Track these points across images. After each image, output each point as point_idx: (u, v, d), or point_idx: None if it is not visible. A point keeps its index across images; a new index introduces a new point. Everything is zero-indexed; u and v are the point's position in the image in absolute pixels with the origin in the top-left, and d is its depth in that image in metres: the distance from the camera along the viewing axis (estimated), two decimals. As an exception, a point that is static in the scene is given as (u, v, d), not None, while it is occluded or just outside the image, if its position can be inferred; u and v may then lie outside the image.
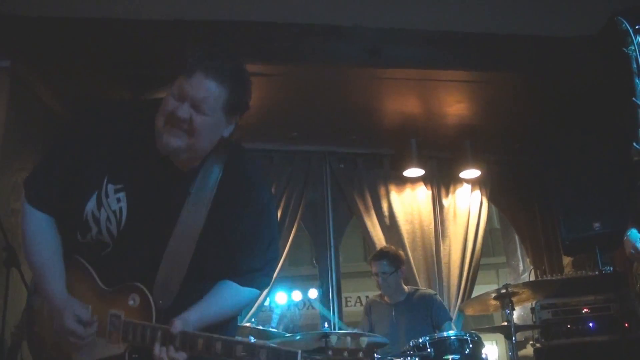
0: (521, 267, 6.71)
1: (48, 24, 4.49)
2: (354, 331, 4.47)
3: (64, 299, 1.99)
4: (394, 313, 4.87)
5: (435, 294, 5.08)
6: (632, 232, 3.46)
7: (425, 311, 4.80)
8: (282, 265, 5.84)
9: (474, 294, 5.83)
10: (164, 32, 4.52)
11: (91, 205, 2.01)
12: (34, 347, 2.15)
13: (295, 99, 5.37)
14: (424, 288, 5.45)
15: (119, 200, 2.01)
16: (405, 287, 5.07)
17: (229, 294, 2.11)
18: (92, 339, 1.97)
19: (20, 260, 3.58)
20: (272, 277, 2.26)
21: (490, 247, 13.36)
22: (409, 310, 4.86)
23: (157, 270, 2.01)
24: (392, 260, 4.97)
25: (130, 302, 2.00)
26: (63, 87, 4.90)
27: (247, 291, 2.14)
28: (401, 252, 5.23)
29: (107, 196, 2.01)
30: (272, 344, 1.96)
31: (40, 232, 2.08)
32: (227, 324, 2.19)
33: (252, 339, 4.36)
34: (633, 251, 3.42)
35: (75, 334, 1.94)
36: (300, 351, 1.85)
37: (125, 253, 2.03)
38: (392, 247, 5.31)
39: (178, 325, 1.90)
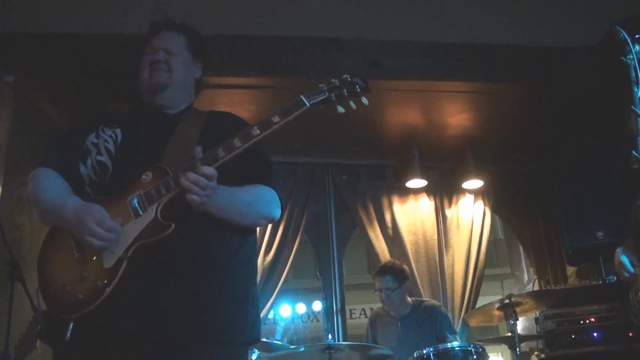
0: (526, 278, 6.69)
1: (51, 40, 4.58)
2: (358, 343, 4.46)
3: (82, 205, 2.06)
4: (400, 327, 4.83)
5: (440, 305, 5.06)
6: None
7: (430, 323, 4.76)
8: (285, 278, 5.85)
9: (479, 305, 5.80)
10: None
11: (90, 138, 2.30)
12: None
13: (296, 112, 5.37)
14: (428, 299, 5.43)
15: (114, 131, 2.30)
16: (409, 299, 5.02)
17: (248, 186, 2.24)
18: (116, 236, 2.00)
19: (25, 275, 3.58)
20: (283, 203, 2.36)
21: (495, 258, 13.36)
22: (415, 323, 4.82)
23: (161, 162, 2.14)
24: (396, 275, 4.91)
25: (144, 178, 2.09)
26: (66, 101, 4.92)
27: (263, 188, 2.28)
28: (405, 267, 5.19)
29: (103, 131, 2.31)
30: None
31: (47, 177, 2.25)
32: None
33: (256, 352, 4.37)
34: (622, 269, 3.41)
35: (97, 235, 1.97)
36: (302, 95, 2.15)
37: (127, 165, 2.16)
38: (397, 261, 5.27)
39: (198, 149, 2.04)
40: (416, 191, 6.25)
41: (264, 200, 2.27)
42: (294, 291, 12.56)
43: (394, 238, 6.08)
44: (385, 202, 6.21)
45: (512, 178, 6.48)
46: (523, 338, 4.44)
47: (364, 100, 2.23)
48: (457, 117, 5.50)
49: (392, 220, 6.15)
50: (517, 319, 4.32)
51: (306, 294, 12.54)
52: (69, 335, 1.98)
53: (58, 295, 2.03)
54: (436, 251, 6.09)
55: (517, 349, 4.23)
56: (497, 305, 4.38)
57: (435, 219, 6.23)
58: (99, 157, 2.22)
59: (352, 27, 4.72)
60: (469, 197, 6.32)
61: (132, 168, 2.12)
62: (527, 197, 6.42)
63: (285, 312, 11.46)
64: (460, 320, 5.72)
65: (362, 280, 13.60)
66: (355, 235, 6.47)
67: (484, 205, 6.31)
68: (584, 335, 4.57)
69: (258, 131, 2.08)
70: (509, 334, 4.34)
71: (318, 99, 2.17)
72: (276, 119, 2.10)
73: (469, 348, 4.08)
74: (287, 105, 2.13)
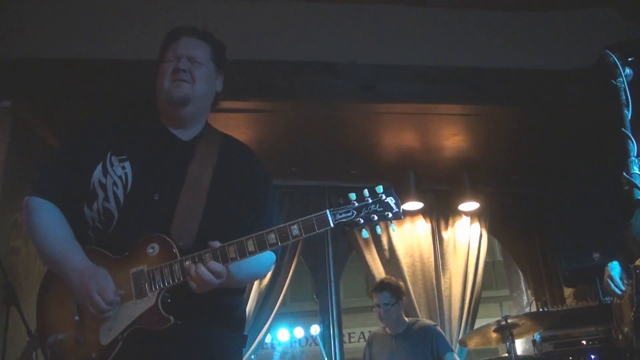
0: (525, 300, 6.66)
1: (48, 65, 4.60)
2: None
3: (88, 268, 1.99)
4: (394, 344, 4.84)
5: (436, 325, 5.04)
6: (613, 264, 3.48)
7: (425, 342, 4.75)
8: (283, 301, 5.82)
9: (477, 326, 5.78)
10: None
11: (97, 174, 2.13)
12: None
13: (293, 135, 5.39)
14: (424, 319, 5.42)
15: (123, 167, 2.14)
16: (406, 318, 5.04)
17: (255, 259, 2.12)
18: (115, 310, 1.96)
19: (20, 299, 3.58)
20: (279, 253, 2.32)
21: (493, 280, 13.32)
22: (408, 340, 4.82)
23: (170, 224, 2.04)
24: (393, 291, 4.94)
25: (150, 251, 2.01)
26: (64, 126, 4.94)
27: (267, 253, 2.15)
28: (401, 283, 5.20)
29: (111, 164, 2.15)
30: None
31: (50, 218, 2.12)
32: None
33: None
34: (608, 279, 3.43)
35: (96, 306, 1.93)
36: (328, 210, 2.00)
37: (134, 218, 2.06)
38: (393, 278, 5.27)
39: (215, 243, 1.95)
40: (412, 213, 6.24)
41: (266, 267, 2.28)
42: (292, 314, 12.48)
43: (390, 260, 6.07)
44: (381, 225, 6.15)
45: (508, 200, 6.49)
46: (520, 359, 4.42)
47: (393, 227, 2.07)
48: (452, 139, 5.52)
49: (388, 243, 6.14)
50: (514, 341, 4.31)
51: (304, 318, 12.44)
52: None
53: (53, 347, 2.04)
54: (433, 273, 6.08)
55: (515, 371, 4.22)
56: (493, 327, 4.37)
57: (431, 241, 6.23)
58: (106, 204, 2.09)
59: (347, 51, 4.76)
60: (466, 219, 6.32)
61: (138, 224, 2.05)
62: (523, 218, 6.43)
63: (283, 336, 11.37)
64: (458, 343, 5.69)
65: (361, 303, 13.51)
66: (354, 258, 6.46)
67: (481, 227, 6.31)
68: (582, 357, 4.56)
69: (274, 240, 1.96)
70: (506, 355, 4.32)
71: (344, 220, 2.00)
72: (295, 231, 1.98)
73: (466, 371, 4.06)
74: (310, 218, 2.00)
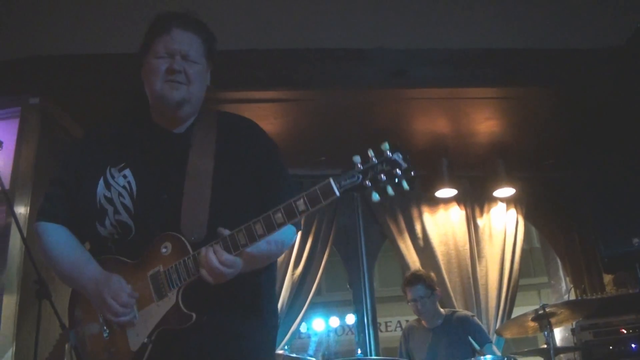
0: (564, 287, 6.52)
1: (73, 61, 4.67)
2: (388, 358, 4.38)
3: (101, 276, 1.98)
4: (431, 338, 4.75)
5: (473, 316, 4.95)
6: None
7: (463, 334, 4.64)
8: (319, 291, 5.79)
9: (514, 315, 5.66)
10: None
11: (100, 189, 2.08)
12: None
13: (322, 124, 5.35)
14: (460, 310, 5.32)
15: (125, 176, 2.09)
16: (442, 310, 4.94)
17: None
18: (129, 314, 1.95)
19: (52, 292, 3.60)
20: (300, 225, 2.23)
21: (531, 267, 13.12)
22: (447, 334, 4.72)
23: (179, 220, 1.99)
24: (427, 283, 4.84)
25: (163, 251, 1.97)
26: (91, 120, 4.96)
27: (286, 228, 2.04)
28: (433, 274, 5.12)
29: (112, 177, 2.10)
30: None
31: (59, 238, 2.12)
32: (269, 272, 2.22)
33: (285, 367, 4.33)
34: None
35: (111, 310, 1.93)
36: (331, 178, 1.84)
37: (148, 222, 2.03)
38: (423, 270, 5.20)
39: (224, 231, 1.89)
40: (446, 201, 6.16)
41: (286, 241, 2.17)
42: (327, 304, 12.49)
43: (424, 249, 6.00)
44: (415, 213, 6.13)
45: (544, 185, 6.36)
46: (559, 350, 4.31)
47: (405, 186, 1.83)
48: (485, 124, 5.42)
49: (422, 231, 6.07)
50: (552, 331, 4.20)
51: (340, 307, 12.44)
52: None
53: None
54: (469, 261, 5.98)
55: (553, 361, 4.11)
56: (531, 317, 4.26)
57: (466, 228, 6.13)
58: (117, 217, 2.05)
59: (375, 37, 4.68)
60: (501, 206, 6.21)
61: (153, 227, 2.01)
62: (560, 203, 6.29)
63: (319, 326, 11.37)
64: (495, 333, 5.60)
65: (397, 292, 13.43)
66: (388, 248, 6.39)
67: (517, 213, 6.19)
68: (622, 347, 4.42)
69: (282, 220, 1.84)
70: (544, 346, 4.21)
71: (350, 185, 1.84)
72: (301, 206, 1.83)
73: (502, 362, 3.97)
74: (314, 190, 1.84)
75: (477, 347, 4.23)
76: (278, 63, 4.78)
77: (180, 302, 1.92)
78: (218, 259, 1.85)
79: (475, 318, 4.94)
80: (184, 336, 1.95)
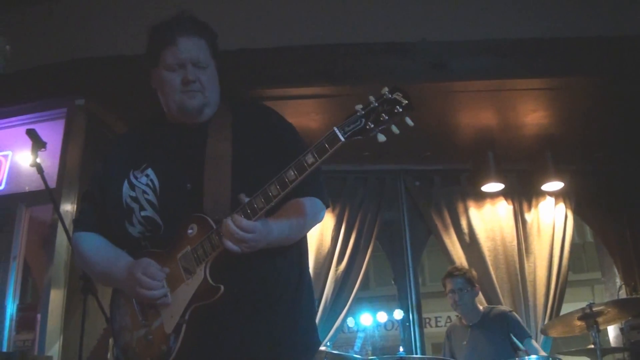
0: (618, 283, 6.33)
1: (117, 62, 4.73)
2: (430, 357, 4.32)
3: (132, 262, 2.05)
4: (470, 334, 4.69)
5: (511, 311, 4.85)
6: None
7: (502, 329, 4.57)
8: (367, 286, 5.76)
9: (563, 312, 5.52)
10: (228, 61, 4.59)
11: (125, 190, 2.17)
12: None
13: (364, 119, 5.29)
14: (498, 306, 5.23)
15: (147, 175, 2.17)
16: (481, 307, 4.89)
17: (295, 204, 2.11)
18: (162, 288, 1.99)
19: (97, 287, 3.67)
20: (328, 201, 2.25)
21: (584, 262, 12.83)
22: (484, 330, 4.65)
23: (202, 204, 2.04)
24: (467, 277, 4.85)
25: (189, 232, 2.02)
26: (136, 118, 5.04)
27: (311, 201, 2.15)
28: (474, 272, 5.07)
29: (135, 178, 2.18)
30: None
31: (92, 243, 2.20)
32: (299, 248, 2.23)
33: (327, 363, 4.31)
34: None
35: (143, 284, 1.97)
36: (335, 127, 1.88)
37: (175, 213, 2.08)
38: (464, 266, 5.17)
39: (242, 196, 1.93)
40: (493, 195, 6.04)
41: (313, 216, 2.19)
42: (376, 298, 12.45)
43: (470, 244, 5.90)
44: (460, 208, 6.04)
45: (594, 178, 6.19)
46: (606, 350, 4.16)
47: (408, 121, 1.86)
48: (532, 115, 5.30)
49: (468, 226, 5.97)
50: (599, 330, 4.07)
51: (389, 301, 12.37)
52: None
53: (128, 356, 2.09)
54: (516, 257, 5.86)
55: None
56: (577, 315, 4.15)
57: (514, 223, 6.01)
58: (143, 213, 2.12)
59: (416, 29, 4.63)
60: (550, 200, 6.07)
61: (180, 216, 2.06)
62: (611, 197, 6.12)
63: (366, 321, 11.31)
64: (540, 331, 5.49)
65: (447, 288, 13.31)
66: (438, 243, 6.30)
67: (566, 207, 6.04)
68: (674, 348, 4.27)
69: (293, 176, 1.89)
70: (592, 346, 4.09)
71: (354, 129, 1.87)
72: (310, 159, 1.87)
73: (545, 361, 3.86)
74: (320, 141, 1.88)
75: (520, 345, 4.14)
76: (318, 59, 4.76)
77: (207, 276, 1.97)
78: (236, 224, 1.88)
79: (514, 313, 4.83)
80: (218, 314, 1.99)
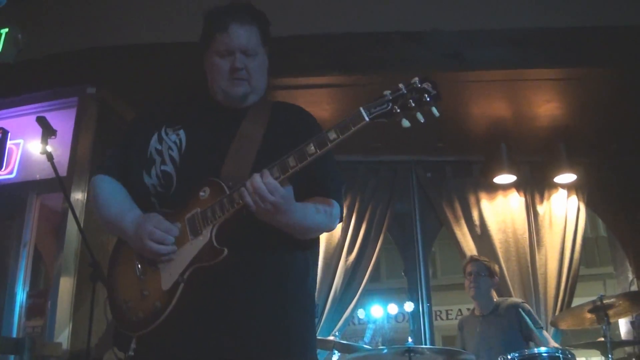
0: (630, 277, 6.27)
1: (128, 51, 4.73)
2: (439, 347, 4.30)
3: (141, 216, 2.06)
4: (482, 324, 4.66)
5: (523, 302, 4.80)
6: None
7: (513, 320, 4.54)
8: (378, 277, 5.75)
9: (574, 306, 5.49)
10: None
11: (153, 143, 2.20)
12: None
13: (377, 109, 5.26)
14: (511, 297, 5.19)
15: (177, 134, 2.20)
16: (495, 298, 4.86)
17: (320, 205, 2.12)
18: (172, 242, 1.99)
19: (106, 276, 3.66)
20: (343, 206, 2.25)
21: (597, 256, 12.76)
22: (496, 320, 4.62)
23: (220, 171, 2.06)
24: (488, 265, 4.85)
25: (201, 194, 2.03)
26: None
27: (332, 204, 2.16)
28: (497, 267, 5.07)
29: (166, 134, 2.21)
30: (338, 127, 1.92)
31: (108, 187, 2.21)
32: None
33: (336, 354, 4.30)
34: None
35: (155, 237, 1.97)
36: (361, 107, 1.91)
37: (191, 176, 2.09)
38: None
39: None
40: (505, 187, 6.00)
41: (331, 218, 2.18)
42: (386, 291, 12.45)
43: (482, 236, 5.87)
44: (472, 200, 6.00)
45: (608, 170, 6.12)
46: (617, 344, 4.12)
47: (434, 111, 1.90)
48: (546, 106, 5.25)
49: (480, 218, 5.94)
50: (609, 323, 4.02)
51: (400, 294, 12.36)
52: (131, 351, 2.02)
53: (121, 310, 2.07)
54: (527, 250, 5.82)
55: (610, 356, 3.94)
56: (587, 308, 4.11)
57: (525, 216, 5.96)
58: (163, 167, 2.15)
59: (429, 18, 4.57)
60: (562, 192, 6.01)
61: (195, 180, 2.07)
62: (624, 190, 6.04)
63: (377, 313, 11.30)
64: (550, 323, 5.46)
65: (458, 280, 13.28)
66: (449, 235, 6.28)
67: (578, 200, 5.98)
68: (686, 341, 4.22)
69: (313, 150, 1.91)
70: (602, 339, 4.04)
71: (379, 112, 1.90)
72: (332, 135, 1.90)
73: (556, 354, 3.81)
74: (345, 119, 1.91)
75: (535, 330, 4.13)
76: (331, 48, 4.72)
77: (213, 237, 1.96)
78: (263, 180, 1.89)
79: (526, 304, 4.78)
80: (215, 275, 1.97)
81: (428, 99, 1.88)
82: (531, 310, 4.74)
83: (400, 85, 1.91)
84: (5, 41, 4.86)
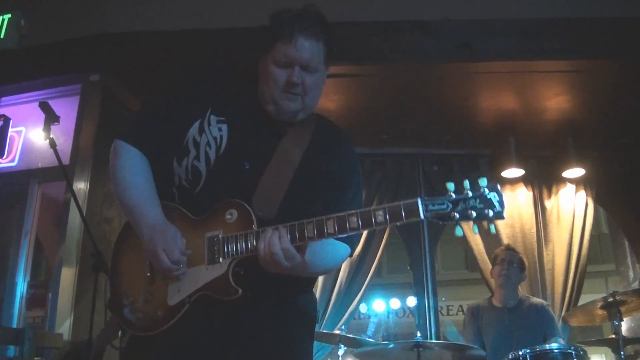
0: (631, 275, 6.21)
1: (133, 38, 4.68)
2: (448, 342, 4.24)
3: (160, 224, 1.95)
4: (506, 317, 4.57)
5: (548, 305, 4.76)
6: None
7: (537, 321, 4.49)
8: (379, 273, 5.69)
9: (580, 303, 5.43)
10: (249, 39, 4.51)
11: (193, 131, 2.06)
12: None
13: (383, 100, 5.20)
14: (536, 297, 5.11)
15: (220, 129, 2.07)
16: (520, 293, 4.81)
17: (329, 244, 2.01)
18: (177, 271, 1.91)
19: (110, 266, 3.60)
20: (355, 250, 2.19)
21: (599, 254, 12.71)
22: (521, 316, 4.55)
23: (253, 193, 1.97)
24: (522, 259, 4.81)
25: (228, 217, 1.94)
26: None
27: (342, 246, 2.07)
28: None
29: (209, 124, 2.07)
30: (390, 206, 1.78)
31: (136, 166, 2.06)
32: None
33: (342, 347, 4.24)
34: None
35: (161, 262, 1.89)
36: (420, 198, 1.77)
37: (221, 183, 2.01)
38: None
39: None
40: (513, 181, 5.93)
41: (340, 261, 2.15)
42: (388, 286, 12.45)
43: (489, 231, 5.76)
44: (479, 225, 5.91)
45: (617, 165, 6.05)
46: (628, 341, 4.05)
47: (492, 229, 1.82)
48: (555, 99, 5.17)
49: (487, 212, 5.85)
50: (622, 319, 3.96)
51: (401, 289, 12.39)
52: (124, 344, 2.01)
53: (121, 304, 2.02)
54: (535, 245, 5.76)
55: (622, 353, 3.88)
56: (600, 304, 4.04)
57: (533, 210, 5.90)
58: (195, 163, 2.02)
59: (439, 7, 4.51)
60: (570, 187, 5.94)
61: (224, 189, 1.98)
62: (633, 185, 5.96)
63: (379, 307, 11.31)
64: (560, 320, 5.38)
65: (459, 276, 13.30)
66: (452, 231, 6.20)
67: (587, 195, 5.92)
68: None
69: (356, 224, 1.80)
70: (613, 336, 3.98)
71: (437, 212, 1.77)
72: (380, 217, 1.77)
73: (569, 350, 3.75)
74: (397, 204, 1.77)
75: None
76: (340, 37, 4.61)
77: (230, 274, 1.89)
78: (281, 245, 1.81)
79: (550, 308, 4.73)
80: (221, 308, 1.92)
81: (491, 215, 1.76)
82: (554, 316, 4.66)
83: (467, 187, 1.78)
84: (8, 27, 4.82)
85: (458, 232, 1.79)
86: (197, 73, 2.24)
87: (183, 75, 2.24)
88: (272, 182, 2.00)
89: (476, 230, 1.79)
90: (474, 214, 1.76)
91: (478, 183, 1.78)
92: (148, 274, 1.99)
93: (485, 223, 1.78)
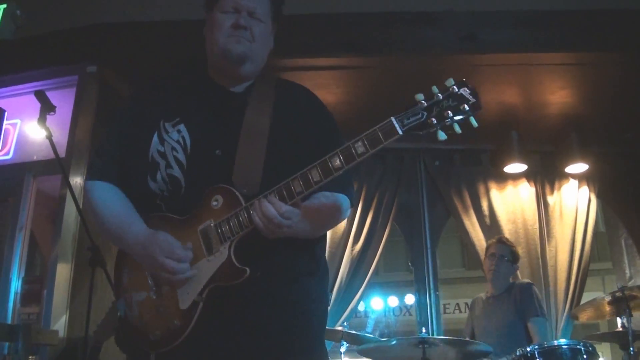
0: (628, 273, 6.15)
1: (130, 29, 4.62)
2: (453, 338, 4.17)
3: (147, 236, 1.90)
4: (489, 304, 4.58)
5: (530, 283, 4.66)
6: None
7: (514, 301, 4.44)
8: (377, 271, 5.63)
9: (582, 301, 5.40)
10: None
11: (154, 145, 2.02)
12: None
13: (385, 92, 5.09)
14: (523, 279, 5.08)
15: (179, 131, 2.02)
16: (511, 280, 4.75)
17: (324, 196, 1.98)
18: (188, 270, 1.86)
19: (107, 260, 3.53)
20: (354, 195, 2.13)
21: (596, 252, 12.69)
22: (505, 302, 4.51)
23: (231, 175, 1.92)
24: (513, 250, 4.73)
25: (214, 204, 1.89)
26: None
27: (339, 195, 2.03)
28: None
29: (166, 132, 2.03)
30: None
31: (107, 196, 2.04)
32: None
33: (344, 345, 4.18)
34: None
35: (168, 269, 1.83)
36: (393, 117, 1.74)
37: (200, 178, 1.96)
38: None
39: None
40: (515, 176, 5.89)
41: (342, 212, 2.08)
42: (385, 284, 12.43)
43: (491, 227, 5.75)
44: (481, 189, 5.89)
45: (620, 161, 6.01)
46: (638, 335, 3.99)
47: (473, 122, 1.75)
48: (558, 93, 5.12)
49: (489, 208, 5.82)
50: (631, 315, 3.89)
51: (398, 287, 12.37)
52: None
53: (136, 327, 1.95)
54: (537, 241, 5.71)
55: (631, 348, 3.80)
56: (608, 299, 3.99)
57: (536, 206, 5.85)
58: (169, 171, 1.98)
59: (445, -1, 4.44)
60: (573, 183, 5.90)
61: (205, 182, 1.93)
62: (638, 181, 5.92)
63: (377, 305, 11.27)
64: (565, 316, 5.36)
65: (457, 274, 13.27)
66: (449, 228, 6.15)
67: (590, 191, 5.88)
68: None
69: (339, 164, 1.75)
70: (620, 329, 3.92)
71: (414, 123, 1.73)
72: (360, 148, 1.74)
73: (578, 347, 3.67)
74: (373, 130, 1.74)
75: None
76: (342, 28, 4.60)
77: (232, 257, 1.84)
78: (277, 210, 1.76)
79: (534, 287, 4.62)
80: (235, 294, 1.87)
81: (467, 109, 1.72)
82: (535, 293, 4.52)
83: (435, 90, 1.73)
84: (3, 17, 4.75)
85: (441, 136, 1.74)
86: (143, 91, 2.21)
87: (130, 98, 2.23)
88: (248, 157, 1.95)
89: (458, 129, 1.73)
90: (450, 113, 1.72)
91: (445, 85, 1.74)
92: (151, 286, 1.94)
93: (465, 118, 1.73)
